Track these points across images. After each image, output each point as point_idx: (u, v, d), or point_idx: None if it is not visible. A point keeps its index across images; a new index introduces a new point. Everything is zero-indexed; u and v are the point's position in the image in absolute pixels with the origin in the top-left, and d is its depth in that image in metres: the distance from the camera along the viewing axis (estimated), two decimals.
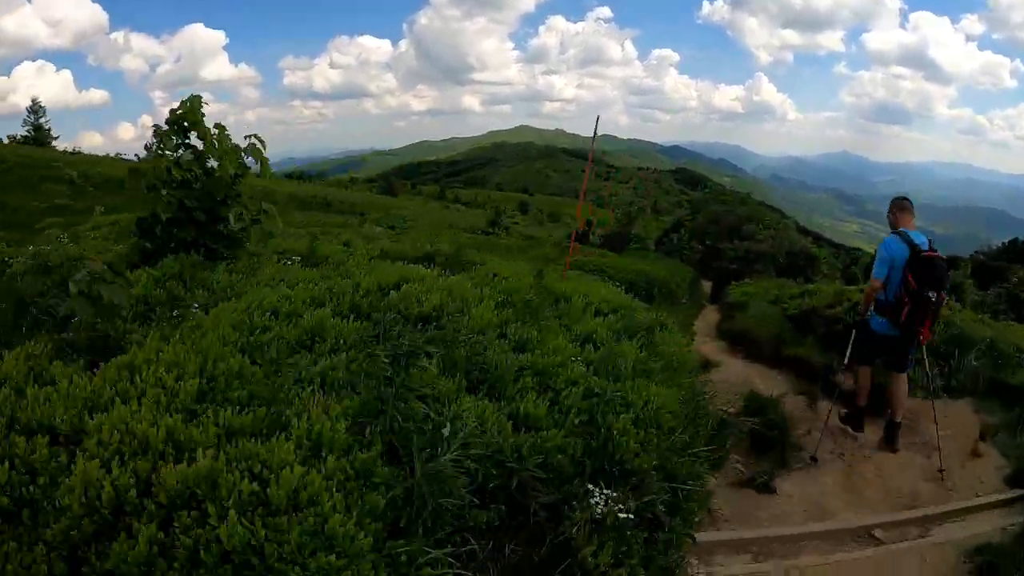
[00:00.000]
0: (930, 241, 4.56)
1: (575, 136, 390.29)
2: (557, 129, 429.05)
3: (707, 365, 7.49)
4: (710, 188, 32.11)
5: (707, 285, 22.36)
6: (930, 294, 4.32)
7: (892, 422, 4.90)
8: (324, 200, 32.15)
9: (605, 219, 25.08)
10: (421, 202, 47.64)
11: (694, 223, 25.71)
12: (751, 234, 21.72)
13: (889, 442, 4.89)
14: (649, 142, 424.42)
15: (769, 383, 6.53)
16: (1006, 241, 45.28)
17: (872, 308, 4.83)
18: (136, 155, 5.33)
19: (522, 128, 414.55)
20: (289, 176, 71.44)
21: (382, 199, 38.27)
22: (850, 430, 5.17)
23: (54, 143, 46.41)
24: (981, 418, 5.52)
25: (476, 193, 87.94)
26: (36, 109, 49.20)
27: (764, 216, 24.82)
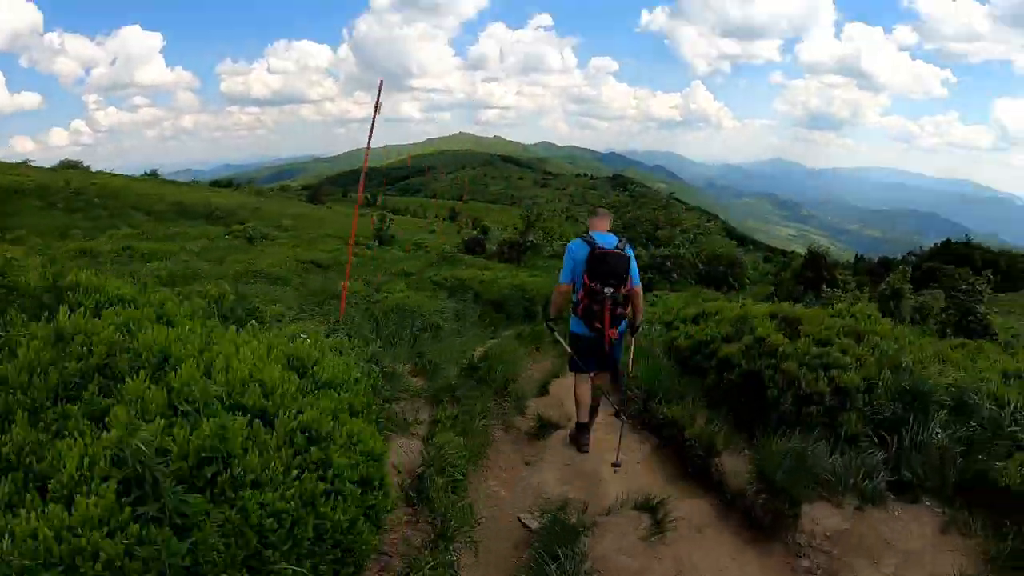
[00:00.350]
0: (620, 240, 4.37)
1: (514, 143, 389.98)
2: (496, 136, 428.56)
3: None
4: (630, 191, 30.31)
5: None
6: (606, 289, 4.17)
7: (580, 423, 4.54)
8: (208, 208, 28.61)
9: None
10: (336, 210, 44.14)
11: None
12: (669, 239, 19.79)
13: (576, 443, 4.54)
14: (587, 149, 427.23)
15: (611, 478, 4.01)
16: (938, 242, 46.17)
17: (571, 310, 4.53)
18: None
19: (460, 135, 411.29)
20: (215, 183, 66.65)
21: (271, 207, 34.70)
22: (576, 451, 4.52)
23: None
24: (952, 543, 3.15)
25: (408, 201, 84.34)
26: None
27: (683, 220, 22.80)
